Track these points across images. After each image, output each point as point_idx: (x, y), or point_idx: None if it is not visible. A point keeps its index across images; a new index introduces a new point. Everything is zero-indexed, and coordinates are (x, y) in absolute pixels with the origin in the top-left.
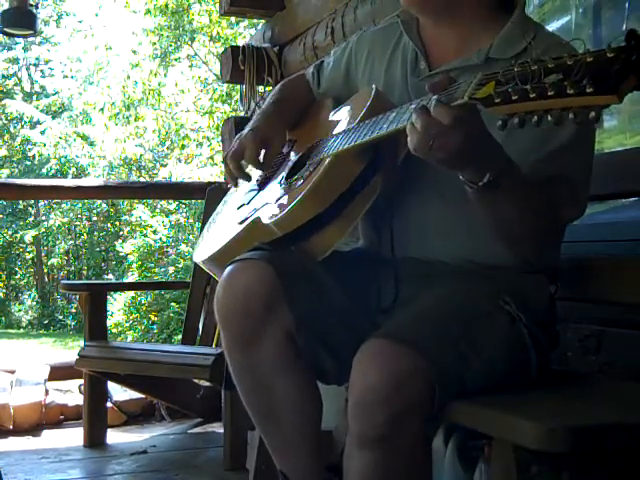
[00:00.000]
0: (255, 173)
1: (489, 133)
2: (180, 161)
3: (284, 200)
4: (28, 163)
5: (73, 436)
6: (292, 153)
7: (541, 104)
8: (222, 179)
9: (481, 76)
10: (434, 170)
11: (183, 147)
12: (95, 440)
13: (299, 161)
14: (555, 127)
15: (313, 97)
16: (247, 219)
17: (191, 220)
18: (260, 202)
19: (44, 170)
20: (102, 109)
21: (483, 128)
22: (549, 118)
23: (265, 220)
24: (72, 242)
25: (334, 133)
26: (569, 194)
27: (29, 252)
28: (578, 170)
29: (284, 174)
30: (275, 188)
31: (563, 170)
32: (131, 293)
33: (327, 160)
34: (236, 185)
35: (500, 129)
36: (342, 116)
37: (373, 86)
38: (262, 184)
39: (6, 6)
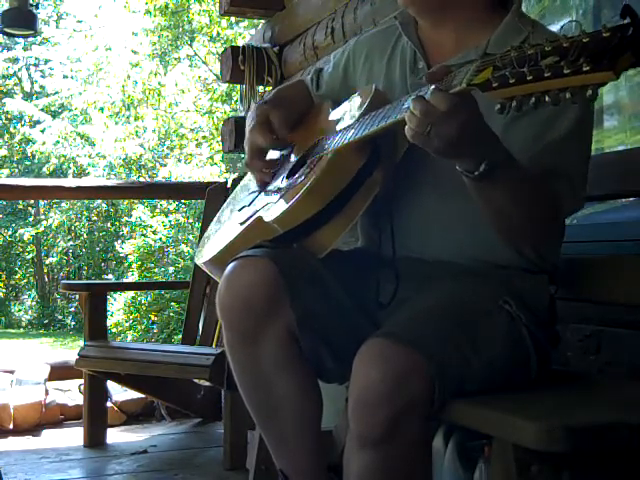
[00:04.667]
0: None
1: (485, 123)
2: (180, 161)
3: (285, 198)
4: (28, 163)
5: (73, 436)
6: (292, 155)
7: (538, 86)
8: (222, 179)
9: (479, 62)
10: (433, 167)
11: (182, 147)
12: (95, 440)
13: (300, 161)
14: (553, 120)
15: (311, 100)
16: (248, 219)
17: (191, 220)
18: (261, 202)
19: (44, 169)
20: (102, 109)
21: (480, 117)
22: (546, 99)
23: (266, 218)
24: (72, 242)
25: (334, 131)
26: (568, 187)
27: (29, 252)
28: (576, 162)
29: (285, 174)
30: (276, 188)
31: (561, 163)
32: (131, 293)
33: (327, 157)
34: (269, 181)
35: (499, 113)
36: (341, 115)
37: (373, 84)
38: (263, 185)
39: (6, 6)
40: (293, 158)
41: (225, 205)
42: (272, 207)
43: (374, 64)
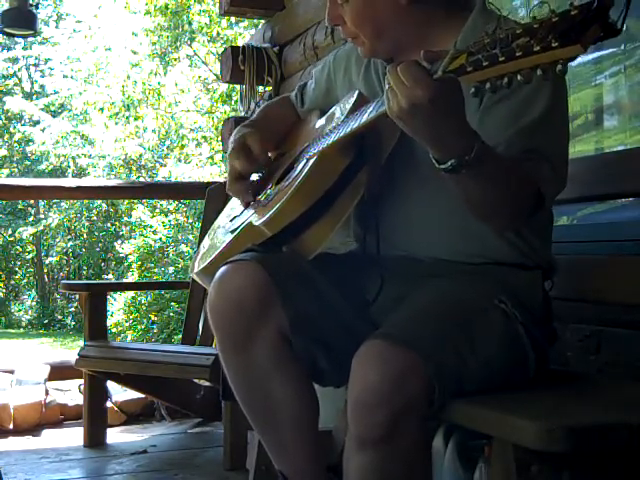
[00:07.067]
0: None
1: (464, 119)
2: (180, 161)
3: (272, 202)
4: (28, 163)
5: (73, 436)
6: (282, 163)
7: (510, 66)
8: (222, 179)
9: (454, 50)
10: (419, 167)
11: (183, 147)
12: (95, 440)
13: (288, 168)
14: (528, 103)
15: (297, 115)
16: (239, 227)
17: (191, 220)
18: (251, 210)
19: (43, 167)
20: (102, 109)
21: (459, 109)
22: (519, 78)
23: (255, 222)
24: (72, 242)
25: (321, 135)
26: (546, 168)
27: (29, 252)
28: (553, 143)
29: (274, 182)
30: (265, 195)
31: (539, 144)
32: (131, 293)
33: (313, 158)
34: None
35: (474, 96)
36: (327, 121)
37: (356, 90)
38: (254, 195)
39: (6, 6)
40: (282, 166)
41: (219, 216)
42: (260, 211)
43: (352, 75)
